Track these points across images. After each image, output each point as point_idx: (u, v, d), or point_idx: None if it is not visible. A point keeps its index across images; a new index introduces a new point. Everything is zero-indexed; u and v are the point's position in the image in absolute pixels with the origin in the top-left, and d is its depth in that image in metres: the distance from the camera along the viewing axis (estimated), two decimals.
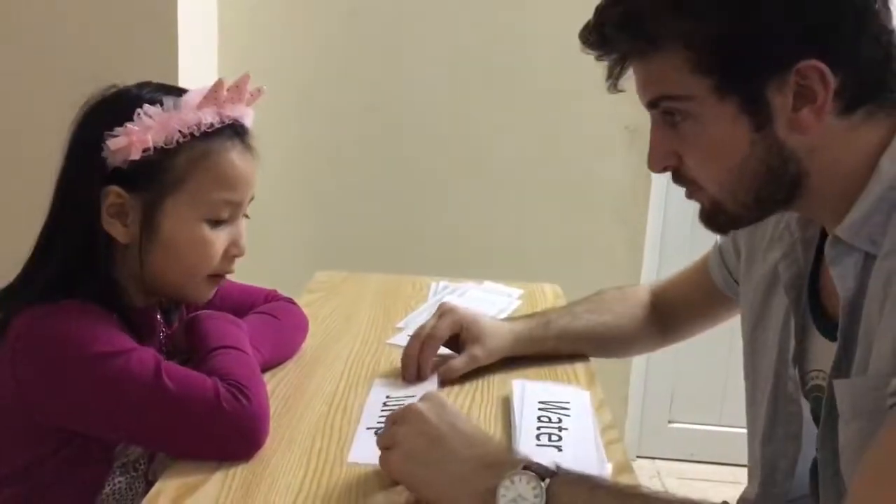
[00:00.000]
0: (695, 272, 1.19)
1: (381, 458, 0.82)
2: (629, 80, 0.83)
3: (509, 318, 1.22)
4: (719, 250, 1.12)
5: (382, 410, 0.99)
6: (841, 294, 0.79)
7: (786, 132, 0.77)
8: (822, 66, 0.74)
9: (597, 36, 0.81)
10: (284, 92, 2.22)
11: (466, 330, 1.12)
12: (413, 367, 1.09)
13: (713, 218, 0.84)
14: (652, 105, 0.82)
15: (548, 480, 0.71)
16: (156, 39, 1.76)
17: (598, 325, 1.19)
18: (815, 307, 0.89)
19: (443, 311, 1.13)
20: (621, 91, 0.84)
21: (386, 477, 0.83)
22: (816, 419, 0.87)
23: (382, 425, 0.91)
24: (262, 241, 2.20)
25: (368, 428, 0.95)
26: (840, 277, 0.79)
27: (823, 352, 0.86)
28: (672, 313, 1.23)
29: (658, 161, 0.84)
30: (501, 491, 0.71)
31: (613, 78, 0.83)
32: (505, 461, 0.75)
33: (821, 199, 0.81)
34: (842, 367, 0.80)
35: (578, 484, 0.72)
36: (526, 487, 0.71)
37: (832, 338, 0.82)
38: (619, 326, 1.21)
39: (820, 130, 0.77)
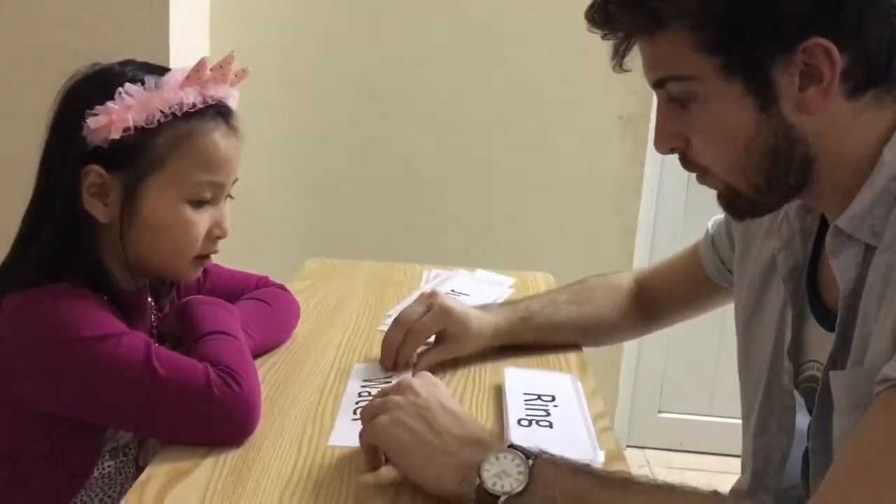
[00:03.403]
0: (684, 261, 1.19)
1: (368, 427, 0.81)
2: (634, 59, 0.82)
3: (493, 307, 1.20)
4: (711, 239, 1.11)
5: (360, 396, 0.99)
6: (841, 286, 0.79)
7: (792, 113, 0.76)
8: (829, 44, 0.73)
9: (602, 14, 0.80)
10: (277, 76, 2.21)
11: (451, 327, 1.09)
12: (392, 357, 1.07)
13: (732, 203, 0.83)
14: (657, 85, 0.81)
15: (532, 460, 0.72)
16: (147, 20, 1.74)
17: (579, 318, 1.19)
18: (813, 297, 0.88)
19: (431, 305, 1.09)
20: (627, 71, 0.83)
21: (364, 453, 0.82)
22: (809, 410, 0.87)
23: (361, 408, 0.91)
24: (254, 228, 2.20)
25: (348, 415, 0.95)
26: (840, 269, 0.79)
27: (820, 342, 0.86)
28: (658, 301, 1.22)
29: (664, 142, 0.83)
30: (486, 466, 0.72)
31: (618, 57, 0.82)
32: (490, 441, 0.76)
33: (827, 187, 0.80)
34: (838, 358, 0.79)
35: (561, 466, 0.73)
36: (510, 465, 0.72)
37: (830, 328, 0.82)
38: (601, 316, 1.20)
39: (827, 112, 0.76)
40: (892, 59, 0.76)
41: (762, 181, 0.79)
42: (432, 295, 1.12)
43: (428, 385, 0.83)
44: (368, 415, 0.82)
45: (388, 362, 1.08)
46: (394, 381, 0.98)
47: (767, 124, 0.77)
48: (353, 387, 1.03)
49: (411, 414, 0.79)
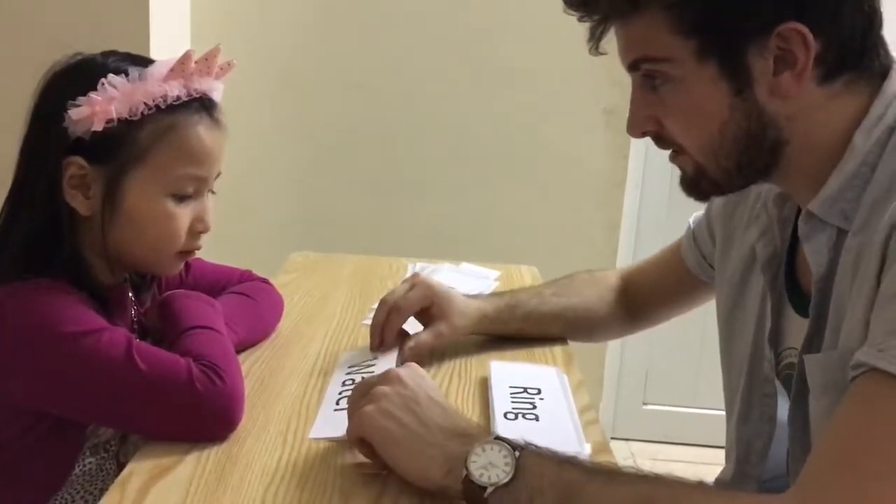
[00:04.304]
0: (667, 257, 1.19)
1: (355, 418, 0.80)
2: (612, 43, 0.82)
3: (481, 296, 1.20)
4: (693, 234, 1.12)
5: (344, 385, 0.99)
6: (813, 270, 0.80)
7: (766, 97, 0.77)
8: (804, 29, 0.73)
9: None
10: (262, 69, 2.20)
11: (436, 304, 1.09)
12: (378, 336, 1.08)
13: (696, 184, 0.84)
14: (632, 67, 0.81)
15: (518, 452, 0.72)
16: (127, 12, 1.72)
17: (566, 310, 1.19)
18: (792, 285, 0.89)
19: (414, 283, 1.10)
20: (603, 54, 0.83)
21: (351, 442, 0.81)
22: (789, 396, 0.87)
23: (343, 399, 0.91)
24: (239, 222, 2.19)
25: (330, 405, 0.94)
26: (813, 253, 0.80)
27: (797, 329, 0.86)
28: (642, 298, 1.23)
29: (637, 126, 0.84)
30: (472, 457, 0.71)
31: (595, 39, 0.82)
32: (477, 433, 0.76)
33: (798, 171, 0.81)
34: (813, 342, 0.81)
35: (547, 458, 0.73)
36: (497, 456, 0.71)
37: (806, 314, 0.83)
38: (587, 310, 1.21)
39: (800, 96, 0.76)
40: (864, 45, 0.77)
41: (732, 165, 0.80)
42: (415, 276, 1.12)
43: (415, 376, 0.83)
44: (355, 406, 0.81)
45: (374, 343, 1.08)
46: (378, 366, 1.00)
47: (741, 108, 0.77)
48: (338, 376, 1.02)
49: (399, 405, 0.78)
